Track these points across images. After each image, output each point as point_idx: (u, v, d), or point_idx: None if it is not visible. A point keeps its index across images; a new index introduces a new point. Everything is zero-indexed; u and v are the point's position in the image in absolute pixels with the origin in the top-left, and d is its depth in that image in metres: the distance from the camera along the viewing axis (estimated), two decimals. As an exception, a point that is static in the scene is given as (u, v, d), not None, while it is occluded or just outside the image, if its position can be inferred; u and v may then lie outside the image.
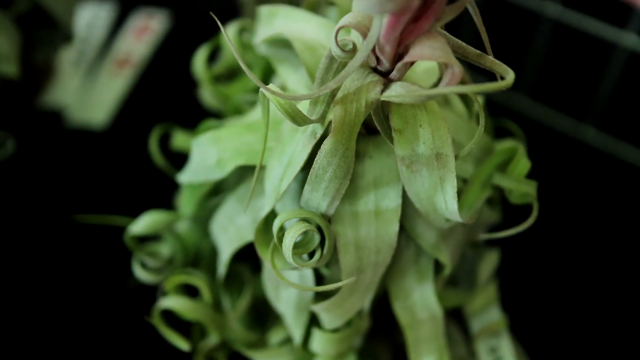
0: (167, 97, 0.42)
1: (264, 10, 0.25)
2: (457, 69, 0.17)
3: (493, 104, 0.41)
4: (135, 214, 0.27)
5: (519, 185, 0.22)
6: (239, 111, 0.27)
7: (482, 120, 0.19)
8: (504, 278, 0.30)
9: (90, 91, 0.42)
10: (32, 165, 0.37)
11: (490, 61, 0.19)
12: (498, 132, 0.29)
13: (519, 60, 0.43)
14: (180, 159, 0.29)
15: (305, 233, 0.21)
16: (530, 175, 0.23)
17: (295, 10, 0.24)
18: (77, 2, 0.35)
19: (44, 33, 0.35)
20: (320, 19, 0.23)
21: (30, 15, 0.33)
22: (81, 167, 0.38)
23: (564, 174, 0.40)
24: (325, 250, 0.21)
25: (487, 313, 0.28)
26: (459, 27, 0.27)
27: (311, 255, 0.21)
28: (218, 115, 0.29)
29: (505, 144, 0.25)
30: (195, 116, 0.32)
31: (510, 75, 0.18)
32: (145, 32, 0.45)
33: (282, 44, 0.24)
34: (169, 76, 0.42)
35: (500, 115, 0.33)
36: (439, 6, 0.17)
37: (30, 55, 0.36)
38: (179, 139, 0.29)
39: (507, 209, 0.28)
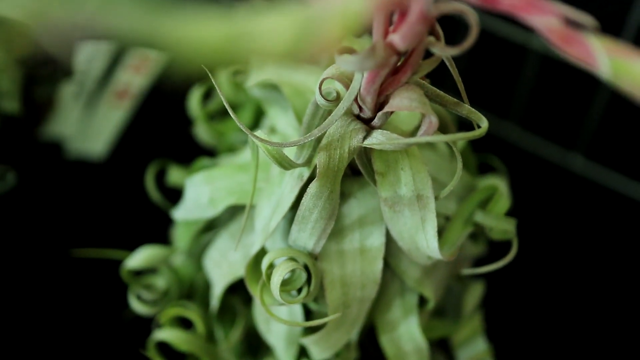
0: (165, 128, 0.43)
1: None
2: (434, 119, 0.18)
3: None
4: (131, 246, 0.29)
5: (499, 223, 0.23)
6: (232, 149, 0.29)
7: (459, 164, 0.20)
8: (489, 309, 0.31)
9: (89, 123, 0.44)
10: (32, 197, 0.39)
11: (467, 110, 0.20)
12: (484, 165, 0.30)
13: (508, 91, 0.45)
14: (176, 193, 0.30)
15: (293, 270, 0.22)
16: (518, 204, 0.24)
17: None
18: (77, 42, 0.37)
19: (45, 70, 0.36)
20: (309, 66, 0.25)
21: (31, 53, 0.35)
22: (80, 199, 0.39)
23: (552, 202, 0.41)
24: (312, 288, 0.22)
25: (473, 343, 0.29)
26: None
27: (299, 291, 0.22)
28: (212, 152, 0.30)
29: (487, 181, 0.27)
30: (191, 148, 0.33)
31: (484, 124, 0.19)
32: (143, 64, 0.47)
33: (273, 87, 0.25)
34: (166, 107, 0.44)
35: (489, 145, 0.35)
36: (416, 61, 0.18)
37: (31, 91, 0.37)
38: (174, 175, 0.31)
39: (493, 240, 0.29)
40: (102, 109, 0.45)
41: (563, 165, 0.43)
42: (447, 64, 0.19)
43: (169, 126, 0.42)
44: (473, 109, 0.20)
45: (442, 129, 0.24)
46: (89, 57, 0.46)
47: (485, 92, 0.46)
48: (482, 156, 0.30)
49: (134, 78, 0.46)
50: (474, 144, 0.28)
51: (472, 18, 0.16)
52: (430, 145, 0.25)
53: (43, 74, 0.36)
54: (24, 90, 0.36)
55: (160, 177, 0.32)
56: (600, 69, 0.14)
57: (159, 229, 0.33)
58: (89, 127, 0.44)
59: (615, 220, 0.41)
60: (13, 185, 0.35)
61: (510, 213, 0.24)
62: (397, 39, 0.17)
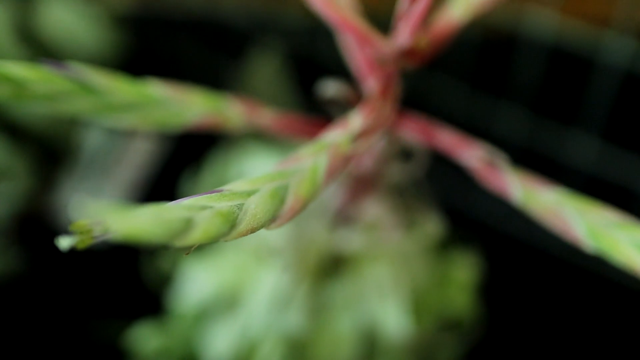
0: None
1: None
2: (395, 227, 0.23)
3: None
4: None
5: (462, 314, 0.27)
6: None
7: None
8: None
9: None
10: (41, 279, 0.42)
11: (422, 212, 0.25)
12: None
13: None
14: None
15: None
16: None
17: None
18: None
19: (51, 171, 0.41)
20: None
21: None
22: (83, 282, 0.43)
23: (525, 280, 0.45)
24: None
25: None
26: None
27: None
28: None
29: (456, 270, 0.31)
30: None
31: (434, 226, 0.24)
32: (142, 155, 0.51)
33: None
34: (164, 194, 0.48)
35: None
36: (379, 181, 0.23)
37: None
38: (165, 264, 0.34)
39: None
40: (105, 189, 0.49)
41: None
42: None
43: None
44: (427, 209, 0.25)
45: (412, 217, 0.28)
46: (94, 149, 0.51)
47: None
48: (461, 231, 0.34)
49: (133, 169, 0.51)
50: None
51: (421, 151, 0.20)
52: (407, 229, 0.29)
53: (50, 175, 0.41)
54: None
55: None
56: (514, 197, 0.18)
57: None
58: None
59: (591, 300, 0.44)
60: (24, 269, 0.39)
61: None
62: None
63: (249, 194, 0.14)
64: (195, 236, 0.12)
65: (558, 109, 0.47)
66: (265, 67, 0.41)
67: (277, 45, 0.47)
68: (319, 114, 0.22)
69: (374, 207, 0.23)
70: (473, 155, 0.19)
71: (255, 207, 0.14)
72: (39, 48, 0.37)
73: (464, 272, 0.29)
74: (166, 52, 0.61)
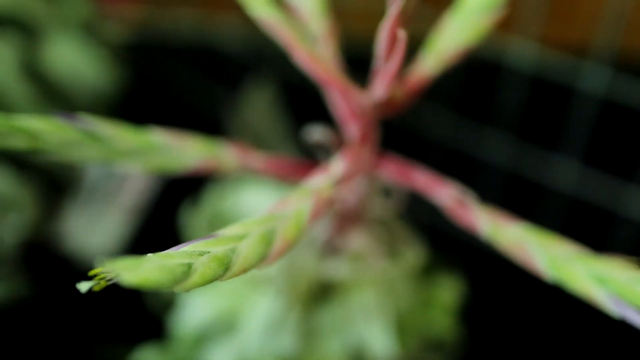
0: (164, 236, 0.49)
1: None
2: (379, 256, 0.25)
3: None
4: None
5: (443, 333, 0.29)
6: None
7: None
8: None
9: (94, 235, 0.50)
10: (46, 304, 0.44)
11: (404, 236, 0.27)
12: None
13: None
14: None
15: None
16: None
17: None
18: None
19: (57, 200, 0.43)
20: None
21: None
22: (85, 304, 0.45)
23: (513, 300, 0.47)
24: None
25: None
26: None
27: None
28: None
29: (440, 290, 0.33)
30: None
31: (416, 254, 0.26)
32: (143, 181, 0.54)
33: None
34: (165, 219, 0.50)
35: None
36: (363, 215, 0.25)
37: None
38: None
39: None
40: (105, 222, 0.51)
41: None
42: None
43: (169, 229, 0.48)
44: (411, 240, 0.27)
45: (395, 246, 0.30)
46: (98, 178, 0.53)
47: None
48: (444, 255, 0.36)
49: (136, 197, 0.53)
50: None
51: (399, 191, 0.22)
52: (390, 258, 0.31)
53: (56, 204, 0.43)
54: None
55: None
56: (482, 232, 0.20)
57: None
58: (94, 241, 0.50)
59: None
60: (29, 295, 0.41)
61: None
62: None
63: (241, 237, 0.16)
64: (194, 281, 0.14)
65: (540, 134, 0.50)
66: (260, 97, 0.43)
67: (271, 72, 0.49)
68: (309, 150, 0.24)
69: (359, 238, 0.25)
70: (445, 194, 0.21)
71: (247, 250, 0.16)
72: (43, 84, 0.39)
73: (447, 294, 0.31)
74: (164, 80, 0.63)
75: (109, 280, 0.14)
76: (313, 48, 0.21)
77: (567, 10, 0.64)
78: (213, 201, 0.32)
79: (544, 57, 0.44)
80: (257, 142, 0.38)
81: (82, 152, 0.20)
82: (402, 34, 0.18)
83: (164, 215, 0.51)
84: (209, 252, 0.15)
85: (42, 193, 0.43)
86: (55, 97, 0.39)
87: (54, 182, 0.45)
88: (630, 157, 0.51)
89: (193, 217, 0.33)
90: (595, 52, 0.42)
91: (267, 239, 0.17)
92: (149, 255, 0.14)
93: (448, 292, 0.31)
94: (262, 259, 0.16)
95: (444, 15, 0.23)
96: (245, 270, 0.16)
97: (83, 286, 0.14)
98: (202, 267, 0.14)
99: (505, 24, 0.23)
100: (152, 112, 0.61)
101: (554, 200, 0.47)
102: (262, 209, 0.31)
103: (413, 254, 0.27)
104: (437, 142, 0.50)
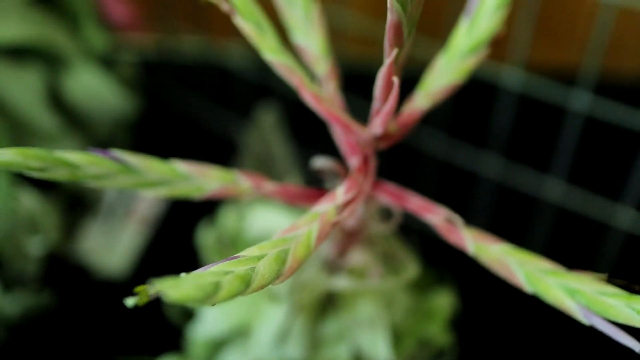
0: (178, 248, 0.52)
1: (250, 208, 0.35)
2: (378, 270, 0.28)
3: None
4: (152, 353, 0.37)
5: (438, 337, 0.32)
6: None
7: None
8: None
9: (110, 244, 0.53)
10: (68, 316, 0.47)
11: (403, 254, 0.29)
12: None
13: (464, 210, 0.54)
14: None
15: None
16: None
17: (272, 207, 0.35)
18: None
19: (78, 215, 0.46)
20: (292, 214, 0.34)
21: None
22: (106, 315, 0.48)
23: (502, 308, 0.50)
24: None
25: None
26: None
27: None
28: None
29: (435, 299, 0.35)
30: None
31: (414, 269, 0.29)
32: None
33: (266, 234, 0.35)
34: (178, 231, 0.53)
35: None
36: (363, 234, 0.27)
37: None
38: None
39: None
40: (123, 234, 0.54)
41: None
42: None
43: (182, 241, 0.51)
44: (407, 255, 0.29)
45: (392, 261, 0.33)
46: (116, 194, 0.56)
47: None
48: (438, 270, 0.38)
49: (151, 206, 0.56)
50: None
51: (397, 212, 0.25)
52: (388, 272, 0.34)
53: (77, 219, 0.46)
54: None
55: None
56: (468, 250, 0.23)
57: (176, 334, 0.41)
58: (111, 251, 0.53)
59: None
60: (51, 306, 0.44)
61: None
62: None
63: (259, 258, 0.19)
64: (221, 296, 0.17)
65: (530, 151, 0.52)
66: (267, 119, 0.46)
67: (281, 90, 0.52)
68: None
69: (359, 255, 0.28)
70: (436, 217, 0.24)
71: (264, 269, 0.19)
72: (66, 111, 0.42)
73: (441, 304, 0.34)
74: (177, 102, 0.66)
75: (152, 296, 0.17)
76: (318, 89, 0.24)
77: (555, 34, 0.67)
78: (229, 221, 0.35)
79: (532, 79, 0.47)
80: (266, 162, 0.41)
81: (116, 181, 0.23)
82: (395, 81, 0.21)
83: (177, 226, 0.54)
84: (232, 271, 0.18)
85: (64, 212, 0.46)
86: (78, 124, 0.42)
87: (75, 201, 0.48)
88: (612, 172, 0.54)
89: (210, 235, 0.36)
90: (583, 74, 0.45)
91: (281, 259, 0.20)
92: (183, 274, 0.17)
93: (442, 302, 0.34)
94: (277, 276, 0.19)
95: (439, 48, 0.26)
96: (263, 286, 0.19)
97: (129, 301, 0.17)
98: (228, 285, 0.17)
99: (496, 48, 0.26)
100: (167, 132, 0.64)
101: (544, 212, 0.50)
102: (274, 228, 0.34)
103: (409, 268, 0.29)
104: (433, 158, 0.53)
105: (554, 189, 0.48)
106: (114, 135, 0.45)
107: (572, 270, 0.22)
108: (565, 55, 0.63)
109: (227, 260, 0.19)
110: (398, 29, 0.20)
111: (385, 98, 0.21)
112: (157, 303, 0.42)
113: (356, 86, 0.44)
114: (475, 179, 0.52)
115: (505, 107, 0.49)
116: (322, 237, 0.21)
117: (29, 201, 0.40)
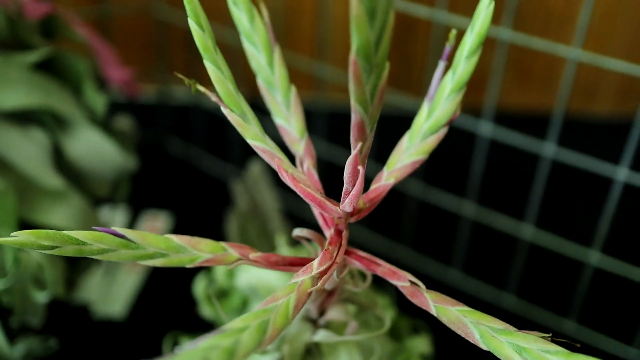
0: (173, 287, 0.55)
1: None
2: (354, 323, 0.31)
3: (427, 277, 0.55)
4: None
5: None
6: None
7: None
8: None
9: (110, 287, 0.56)
10: (65, 356, 0.50)
11: (379, 309, 0.32)
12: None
13: (447, 246, 0.57)
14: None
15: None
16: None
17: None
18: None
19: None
20: (282, 273, 0.37)
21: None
22: (106, 354, 0.50)
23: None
24: None
25: None
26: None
27: None
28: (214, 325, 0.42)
29: (412, 345, 0.38)
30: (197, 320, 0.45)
31: (387, 322, 0.32)
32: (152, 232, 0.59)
33: (255, 285, 0.37)
34: (174, 270, 0.56)
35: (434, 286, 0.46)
36: (339, 293, 0.30)
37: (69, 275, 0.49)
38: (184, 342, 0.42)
39: None
40: (120, 275, 0.57)
41: (497, 304, 0.55)
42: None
43: (178, 282, 0.54)
44: (383, 307, 0.32)
45: (369, 313, 0.36)
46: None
47: (430, 246, 0.58)
48: (413, 320, 0.42)
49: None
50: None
51: (367, 273, 0.28)
52: (363, 324, 0.37)
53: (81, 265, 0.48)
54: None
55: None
56: (431, 310, 0.26)
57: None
58: (109, 292, 0.56)
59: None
60: (55, 350, 0.47)
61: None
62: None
63: (242, 330, 0.22)
64: (210, 369, 0.20)
65: (501, 195, 0.56)
66: (256, 169, 0.49)
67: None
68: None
69: (338, 311, 0.31)
70: (401, 281, 0.27)
71: (247, 340, 0.22)
72: (70, 169, 0.45)
73: (417, 351, 0.37)
74: (176, 147, 0.70)
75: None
76: (295, 170, 0.27)
77: (525, 78, 0.71)
78: (220, 275, 0.38)
79: (502, 123, 0.50)
80: (254, 215, 0.44)
81: (118, 255, 0.26)
82: (360, 169, 0.24)
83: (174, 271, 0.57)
84: (219, 345, 0.21)
85: (69, 261, 0.49)
86: (81, 181, 0.45)
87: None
88: (581, 215, 0.57)
89: (204, 286, 0.39)
90: (554, 115, 0.48)
91: (262, 329, 0.23)
92: (177, 349, 0.20)
93: (417, 349, 0.37)
94: (259, 345, 0.22)
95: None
96: (245, 356, 0.22)
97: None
98: (215, 358, 0.20)
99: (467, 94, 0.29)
100: (165, 177, 0.67)
101: (515, 247, 0.53)
102: (260, 280, 0.37)
103: (385, 319, 0.32)
104: (410, 198, 0.56)
105: (522, 225, 0.51)
106: (115, 189, 0.48)
107: (520, 330, 0.25)
108: (535, 99, 0.67)
109: (214, 333, 0.22)
110: (361, 126, 0.23)
111: (353, 182, 0.25)
112: (160, 344, 0.45)
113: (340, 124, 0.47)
114: (449, 215, 0.56)
115: (478, 150, 0.52)
116: (299, 307, 0.24)
117: (36, 256, 0.43)
